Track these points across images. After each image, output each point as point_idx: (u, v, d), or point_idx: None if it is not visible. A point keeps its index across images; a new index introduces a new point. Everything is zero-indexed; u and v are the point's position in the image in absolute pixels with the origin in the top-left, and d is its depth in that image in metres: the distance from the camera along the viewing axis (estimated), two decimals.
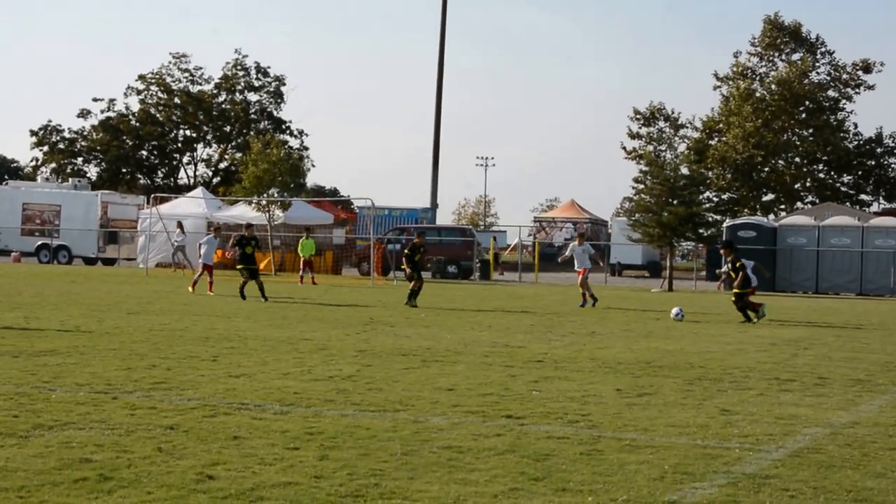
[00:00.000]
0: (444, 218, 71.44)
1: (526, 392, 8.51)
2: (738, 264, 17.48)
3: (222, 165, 66.60)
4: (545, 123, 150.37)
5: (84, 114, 64.16)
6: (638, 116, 54.72)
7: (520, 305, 20.71)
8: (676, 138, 40.39)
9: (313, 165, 77.30)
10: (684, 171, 35.05)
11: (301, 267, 29.16)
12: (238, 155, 60.10)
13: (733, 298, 17.70)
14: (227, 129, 65.91)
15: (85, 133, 64.30)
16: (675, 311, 17.80)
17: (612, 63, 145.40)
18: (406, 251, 20.39)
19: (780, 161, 55.23)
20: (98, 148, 63.82)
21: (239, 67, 65.14)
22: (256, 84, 65.65)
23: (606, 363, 10.71)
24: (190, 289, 21.62)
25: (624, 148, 55.47)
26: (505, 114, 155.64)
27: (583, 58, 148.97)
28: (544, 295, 22.14)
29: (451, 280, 34.80)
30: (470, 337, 13.34)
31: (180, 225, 33.49)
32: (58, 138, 63.89)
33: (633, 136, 54.97)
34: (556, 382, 9.16)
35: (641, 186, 34.40)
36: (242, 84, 65.46)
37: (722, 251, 18.88)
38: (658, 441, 6.54)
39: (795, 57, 55.25)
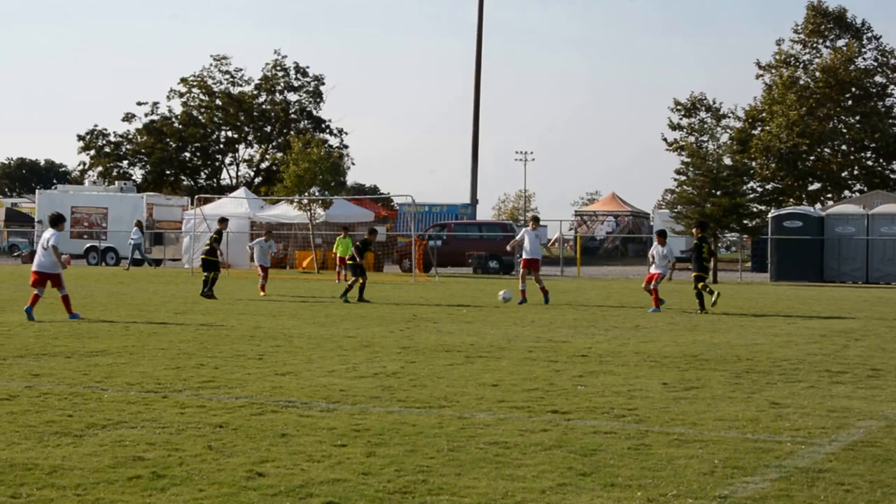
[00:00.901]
0: (484, 213, 71.35)
1: (571, 387, 8.47)
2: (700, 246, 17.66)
3: (264, 165, 67.23)
4: (584, 116, 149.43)
5: (129, 117, 65.21)
6: (679, 107, 54.04)
7: (562, 300, 20.60)
8: (718, 128, 39.78)
9: (353, 163, 77.46)
10: (727, 161, 34.57)
11: (338, 264, 29.39)
12: (279, 155, 60.61)
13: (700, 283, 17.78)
14: (268, 129, 66.52)
15: (130, 136, 65.33)
16: (501, 293, 17.76)
17: (652, 53, 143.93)
18: (357, 244, 20.34)
19: (825, 149, 54.19)
20: (143, 151, 64.83)
21: (278, 68, 65.66)
22: (296, 84, 66.11)
23: (652, 357, 10.61)
24: (261, 293, 21.64)
25: (665, 139, 54.86)
26: (543, 107, 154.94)
27: (621, 49, 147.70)
28: (587, 289, 21.99)
29: (493, 275, 34.74)
30: (513, 332, 13.31)
31: (139, 224, 33.69)
32: (104, 142, 65.00)
33: (673, 127, 54.31)
34: (601, 377, 9.10)
35: (683, 178, 34.01)
36: (282, 84, 65.95)
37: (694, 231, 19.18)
38: (707, 435, 6.46)
39: (840, 43, 54.14)
